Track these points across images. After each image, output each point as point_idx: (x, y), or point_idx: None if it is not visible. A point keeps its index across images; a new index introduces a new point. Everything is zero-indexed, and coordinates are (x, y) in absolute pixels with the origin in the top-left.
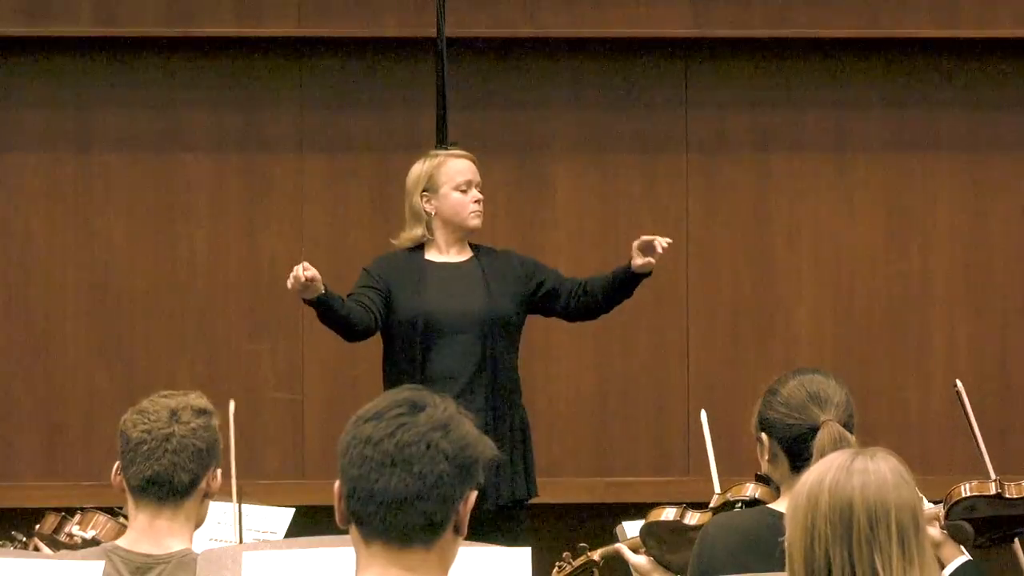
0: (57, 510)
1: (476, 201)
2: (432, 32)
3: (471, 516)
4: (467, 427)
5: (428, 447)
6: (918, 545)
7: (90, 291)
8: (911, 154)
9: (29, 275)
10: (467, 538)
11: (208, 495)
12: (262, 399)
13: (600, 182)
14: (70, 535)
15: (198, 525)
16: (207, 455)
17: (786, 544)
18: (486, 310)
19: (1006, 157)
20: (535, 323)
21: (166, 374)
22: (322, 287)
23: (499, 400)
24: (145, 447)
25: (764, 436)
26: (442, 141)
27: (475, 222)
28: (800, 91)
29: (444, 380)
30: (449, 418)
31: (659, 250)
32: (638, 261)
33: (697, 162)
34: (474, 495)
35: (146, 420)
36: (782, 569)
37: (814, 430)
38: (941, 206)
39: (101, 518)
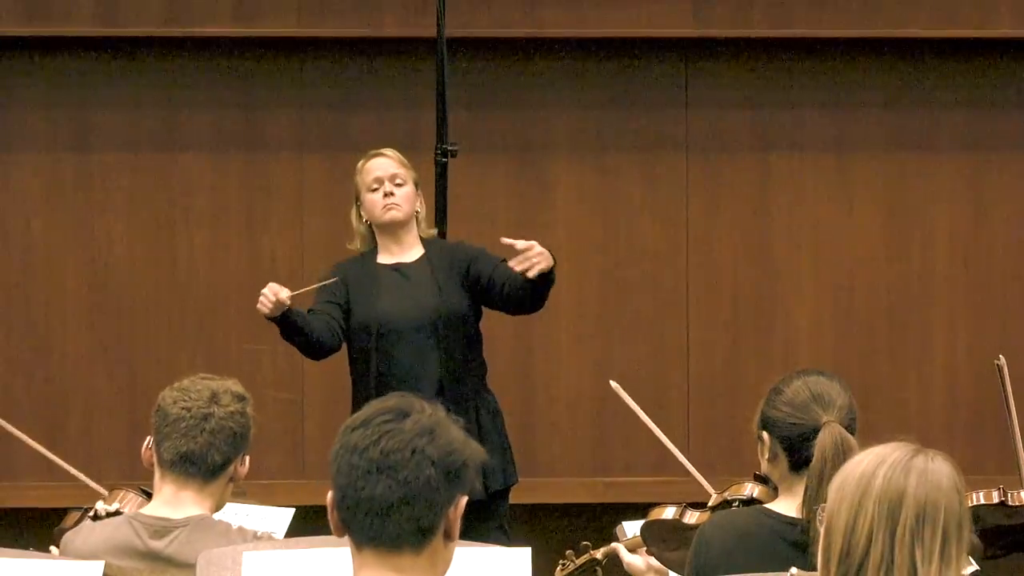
0: (78, 508)
1: (387, 195)
2: (432, 32)
3: None
4: (454, 432)
5: (413, 453)
6: (958, 553)
7: (90, 291)
8: (911, 154)
9: (29, 275)
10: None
11: (233, 479)
12: (262, 399)
13: (600, 182)
14: (95, 513)
15: (218, 508)
16: (240, 440)
17: (825, 517)
18: (438, 307)
19: (1006, 157)
20: (535, 323)
21: (166, 374)
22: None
23: (462, 394)
24: (183, 424)
25: (765, 435)
26: (442, 141)
27: (388, 216)
28: (800, 91)
29: (402, 381)
30: (435, 423)
31: (520, 247)
32: (518, 268)
33: (697, 162)
34: (464, 500)
35: (187, 398)
36: (779, 569)
37: (816, 430)
38: (941, 206)
39: (129, 494)
